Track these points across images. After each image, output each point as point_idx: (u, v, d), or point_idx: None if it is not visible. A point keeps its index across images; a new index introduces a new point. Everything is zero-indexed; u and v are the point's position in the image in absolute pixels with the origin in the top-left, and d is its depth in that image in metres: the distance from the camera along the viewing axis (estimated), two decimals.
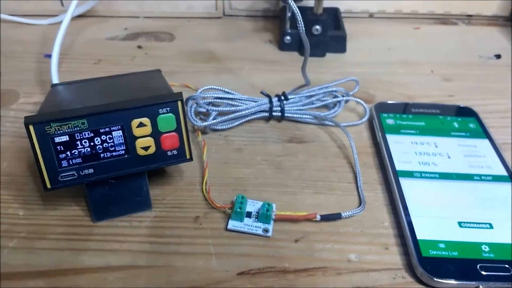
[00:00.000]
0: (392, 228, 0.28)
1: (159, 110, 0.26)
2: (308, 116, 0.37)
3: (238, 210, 0.27)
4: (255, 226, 0.28)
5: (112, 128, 0.26)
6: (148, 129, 0.26)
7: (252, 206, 0.29)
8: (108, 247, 0.27)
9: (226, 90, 0.36)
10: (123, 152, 0.26)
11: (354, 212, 0.29)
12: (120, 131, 0.26)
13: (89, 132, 0.26)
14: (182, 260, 0.26)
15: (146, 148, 0.27)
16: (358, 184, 0.31)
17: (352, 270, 0.26)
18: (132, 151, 0.27)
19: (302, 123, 0.38)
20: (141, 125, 0.26)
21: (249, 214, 0.28)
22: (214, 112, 0.35)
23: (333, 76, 0.41)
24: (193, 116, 0.34)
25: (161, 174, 0.32)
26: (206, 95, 0.35)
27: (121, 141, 0.26)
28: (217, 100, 0.36)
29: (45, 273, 0.26)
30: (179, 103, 0.27)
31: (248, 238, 0.28)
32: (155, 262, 0.26)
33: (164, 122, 0.27)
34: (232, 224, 0.28)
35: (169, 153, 0.27)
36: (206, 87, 0.36)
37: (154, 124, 0.26)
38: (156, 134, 0.27)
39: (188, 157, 0.28)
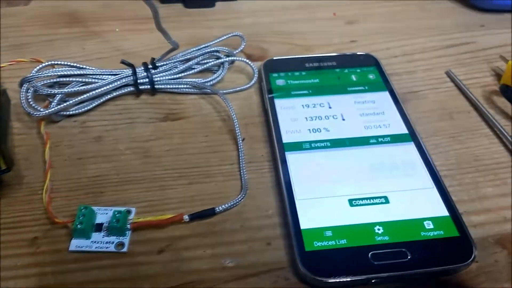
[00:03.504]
0: (278, 216, 0.24)
1: None
2: (185, 86, 0.31)
3: (79, 226, 0.22)
4: (106, 242, 0.22)
5: None
6: None
7: (105, 215, 0.23)
8: None
9: (73, 64, 0.29)
10: None
11: (232, 203, 0.24)
12: None
13: None
14: None
15: None
16: (241, 165, 0.26)
17: (225, 279, 0.21)
18: None
19: (181, 94, 0.31)
20: None
21: (100, 227, 0.23)
22: (59, 95, 0.28)
23: (223, 30, 0.34)
24: (30, 103, 0.27)
25: None
26: (46, 74, 0.28)
27: None
28: (63, 79, 0.29)
29: None
30: None
31: (99, 257, 0.22)
32: None
33: None
34: (75, 244, 0.22)
35: None
36: (44, 64, 0.28)
37: None
38: None
39: (3, 167, 0.21)
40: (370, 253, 0.21)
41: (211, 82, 0.31)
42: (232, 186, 0.25)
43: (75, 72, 0.28)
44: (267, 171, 0.26)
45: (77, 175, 0.26)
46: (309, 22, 0.38)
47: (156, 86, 0.30)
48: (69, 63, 0.29)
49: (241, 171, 0.26)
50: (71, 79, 0.28)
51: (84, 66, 0.29)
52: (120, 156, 0.27)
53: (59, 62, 0.29)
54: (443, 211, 0.23)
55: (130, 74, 0.29)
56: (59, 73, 0.28)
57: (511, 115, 0.29)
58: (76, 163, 0.26)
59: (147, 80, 0.30)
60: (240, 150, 0.27)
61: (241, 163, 0.26)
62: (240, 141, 0.27)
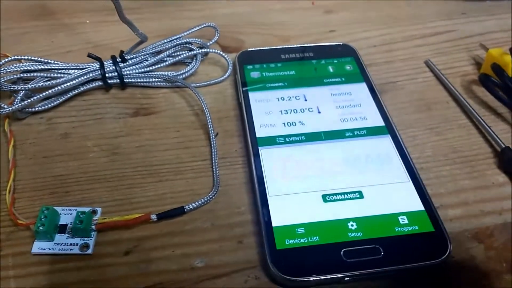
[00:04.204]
0: (250, 213, 0.23)
1: None
2: (156, 79, 0.29)
3: (40, 228, 0.21)
4: (71, 244, 0.21)
5: None
6: None
7: (69, 215, 0.22)
8: None
9: (36, 58, 0.27)
10: None
11: (202, 201, 0.23)
12: None
13: None
14: None
15: None
16: (213, 161, 0.25)
17: (195, 280, 0.20)
18: None
19: (152, 88, 0.30)
20: None
21: (63, 228, 0.22)
22: (22, 91, 0.27)
23: (199, 21, 0.33)
24: None
25: None
26: (8, 70, 0.27)
27: None
28: (27, 75, 0.27)
29: None
30: None
31: (64, 260, 0.21)
32: None
33: None
34: (38, 246, 0.21)
35: None
36: (7, 59, 0.27)
37: None
38: None
39: None
40: (342, 251, 0.20)
41: (184, 75, 0.30)
42: (204, 183, 0.25)
43: (39, 67, 0.27)
44: (240, 166, 0.25)
45: (43, 174, 0.25)
46: (287, 11, 0.37)
47: (126, 80, 0.29)
48: (32, 58, 0.27)
49: (213, 167, 0.25)
50: (35, 74, 0.27)
51: (49, 60, 0.28)
52: (88, 153, 0.26)
53: (22, 57, 0.27)
54: (418, 206, 0.22)
55: (97, 68, 0.28)
56: (22, 69, 0.27)
57: (490, 105, 0.29)
58: (42, 161, 0.25)
59: (115, 74, 0.28)
60: (212, 145, 0.26)
61: (213, 159, 0.25)
62: (213, 136, 0.26)
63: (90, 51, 0.30)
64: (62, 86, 0.27)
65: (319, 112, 0.27)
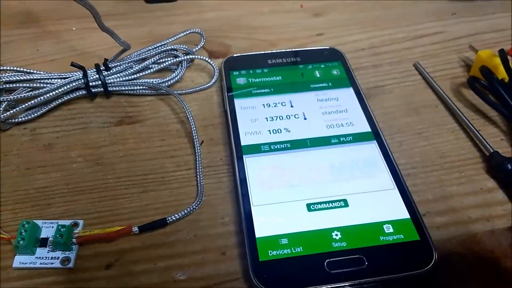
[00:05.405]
0: (234, 224, 0.23)
1: None
2: (140, 87, 0.29)
3: (20, 243, 0.20)
4: (51, 258, 0.21)
5: None
6: None
7: (50, 229, 0.22)
8: None
9: (19, 69, 0.27)
10: None
11: (185, 212, 0.23)
12: None
13: None
14: None
15: None
16: (197, 170, 0.25)
17: None
18: None
19: (138, 96, 0.30)
20: None
21: (45, 242, 0.21)
22: (4, 102, 0.26)
23: (186, 26, 0.33)
24: None
25: None
26: None
27: None
28: (10, 85, 0.27)
29: None
30: None
31: (44, 274, 0.21)
32: None
33: None
34: (19, 260, 0.21)
35: None
36: None
37: None
38: None
39: None
40: (326, 262, 0.20)
41: (169, 82, 0.29)
42: (188, 193, 0.24)
43: (22, 77, 0.27)
44: (225, 175, 0.25)
45: (25, 186, 0.24)
46: (275, 15, 0.37)
47: (110, 88, 0.28)
48: (15, 68, 0.27)
49: (198, 176, 0.25)
50: (17, 84, 0.27)
51: (32, 70, 0.27)
52: (71, 164, 0.26)
53: (4, 68, 0.27)
54: (404, 214, 0.22)
55: (80, 77, 0.28)
56: (4, 79, 0.26)
57: (480, 108, 0.29)
58: (25, 173, 0.25)
59: (99, 82, 0.28)
60: (197, 154, 0.26)
61: (198, 168, 0.25)
62: (198, 145, 0.26)
63: (76, 59, 0.30)
64: (45, 96, 0.27)
65: (305, 119, 0.26)
